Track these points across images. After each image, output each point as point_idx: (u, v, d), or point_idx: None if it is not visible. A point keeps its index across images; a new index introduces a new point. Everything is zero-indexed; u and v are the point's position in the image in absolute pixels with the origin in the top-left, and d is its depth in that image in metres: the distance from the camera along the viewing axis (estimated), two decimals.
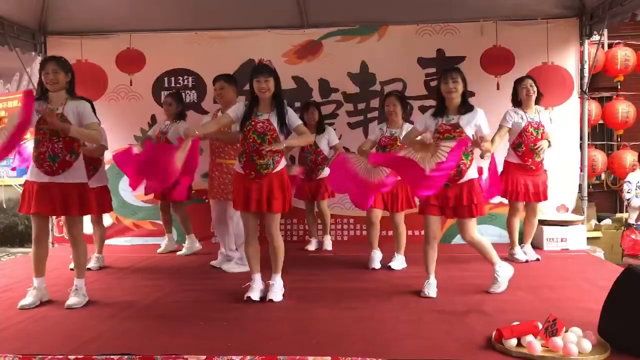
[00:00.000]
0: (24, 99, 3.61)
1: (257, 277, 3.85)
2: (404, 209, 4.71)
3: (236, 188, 3.81)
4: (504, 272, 3.93)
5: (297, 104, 6.04)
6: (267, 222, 3.79)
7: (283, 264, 3.86)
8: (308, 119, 5.50)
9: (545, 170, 5.03)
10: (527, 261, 4.96)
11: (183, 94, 6.28)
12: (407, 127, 4.61)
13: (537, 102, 4.94)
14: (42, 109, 3.60)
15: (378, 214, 4.74)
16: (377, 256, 4.82)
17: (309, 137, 3.96)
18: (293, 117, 3.79)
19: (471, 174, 3.82)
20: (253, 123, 3.70)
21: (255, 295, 3.76)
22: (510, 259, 4.91)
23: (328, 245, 5.84)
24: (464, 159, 3.73)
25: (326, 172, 5.32)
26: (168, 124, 5.50)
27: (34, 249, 3.77)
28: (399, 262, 4.78)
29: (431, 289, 3.85)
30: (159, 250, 5.77)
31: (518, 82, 4.97)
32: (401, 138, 4.51)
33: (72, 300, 3.71)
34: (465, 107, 3.82)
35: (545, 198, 5.03)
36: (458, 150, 3.55)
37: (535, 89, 4.86)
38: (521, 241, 5.17)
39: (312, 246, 5.82)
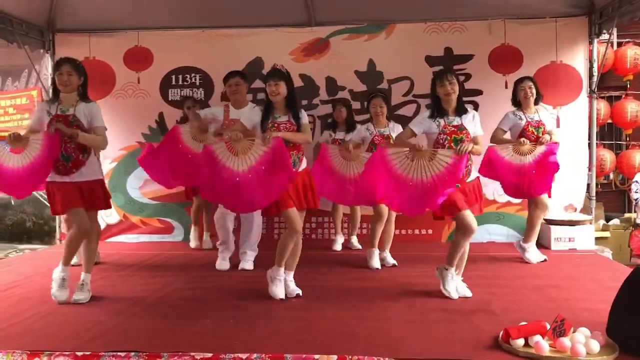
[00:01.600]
0: (49, 139, 3.62)
1: (281, 272, 3.83)
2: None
3: None
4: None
5: (304, 102, 6.05)
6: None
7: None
8: (337, 116, 5.49)
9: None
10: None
11: (190, 91, 6.30)
12: (393, 125, 4.84)
13: (537, 103, 4.91)
14: (55, 119, 3.65)
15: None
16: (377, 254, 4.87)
17: (304, 135, 3.87)
18: (302, 116, 3.85)
19: (475, 172, 3.90)
20: (276, 125, 3.74)
21: (280, 293, 3.76)
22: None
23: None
24: (470, 158, 3.75)
25: None
26: None
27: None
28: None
29: (451, 287, 3.76)
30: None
31: (518, 83, 4.95)
32: (393, 137, 4.62)
33: (80, 295, 3.74)
34: (462, 109, 3.82)
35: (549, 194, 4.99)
36: (461, 164, 3.59)
37: (534, 90, 4.84)
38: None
39: (338, 245, 5.79)
